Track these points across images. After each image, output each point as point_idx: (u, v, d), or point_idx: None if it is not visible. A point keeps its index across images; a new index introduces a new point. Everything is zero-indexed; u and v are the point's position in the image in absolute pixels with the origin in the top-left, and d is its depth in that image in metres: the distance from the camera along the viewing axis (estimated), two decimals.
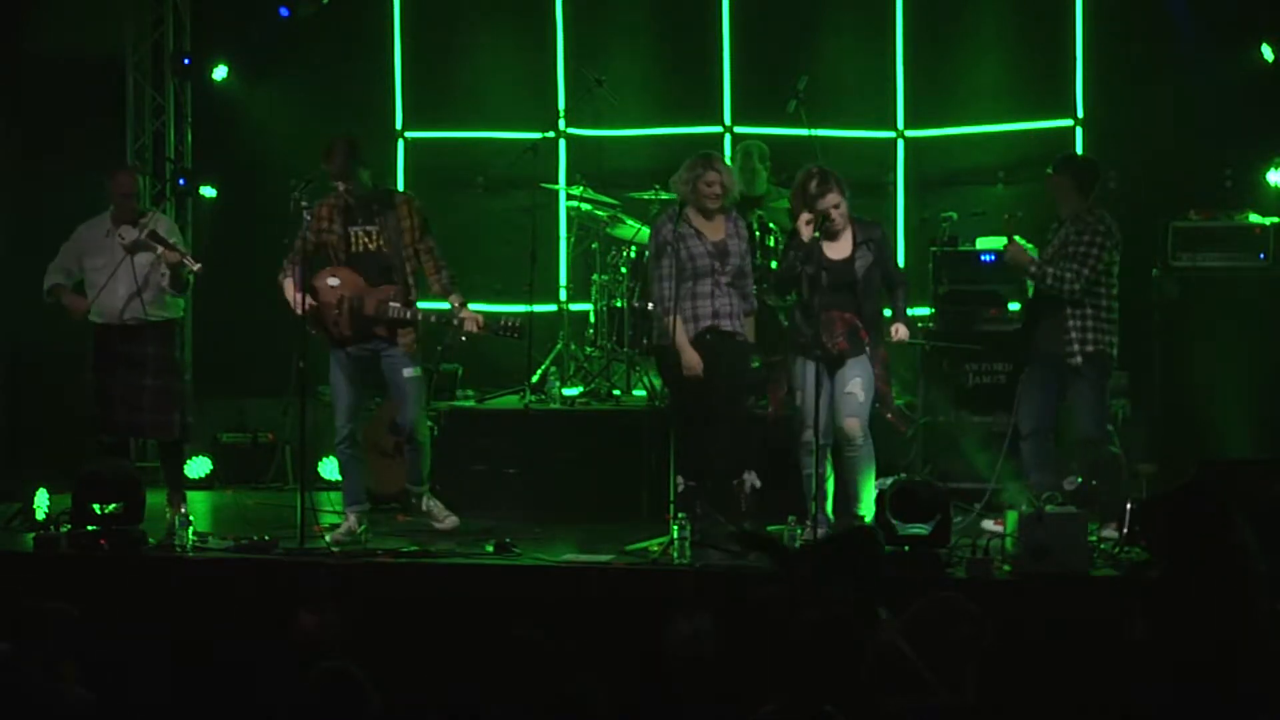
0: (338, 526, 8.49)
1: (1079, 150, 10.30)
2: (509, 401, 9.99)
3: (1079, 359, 8.15)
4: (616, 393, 9.93)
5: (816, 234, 7.97)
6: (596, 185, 10.41)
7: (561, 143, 10.94)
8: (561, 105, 10.83)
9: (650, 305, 8.64)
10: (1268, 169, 9.85)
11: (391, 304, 8.33)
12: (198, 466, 10.41)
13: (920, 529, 7.47)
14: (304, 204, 8.20)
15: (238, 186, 11.02)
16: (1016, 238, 8.49)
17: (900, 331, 8.14)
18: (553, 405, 9.82)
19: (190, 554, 8.05)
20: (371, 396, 9.05)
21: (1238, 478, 7.67)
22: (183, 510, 8.53)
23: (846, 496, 8.11)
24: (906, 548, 7.48)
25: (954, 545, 7.63)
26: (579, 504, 9.09)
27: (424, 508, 8.68)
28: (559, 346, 10.34)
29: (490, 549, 8.02)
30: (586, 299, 10.38)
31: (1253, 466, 8.15)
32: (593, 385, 10.04)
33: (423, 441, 8.60)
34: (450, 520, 8.60)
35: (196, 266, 8.59)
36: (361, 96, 11.09)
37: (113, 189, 8.80)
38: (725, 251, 8.14)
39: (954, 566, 7.50)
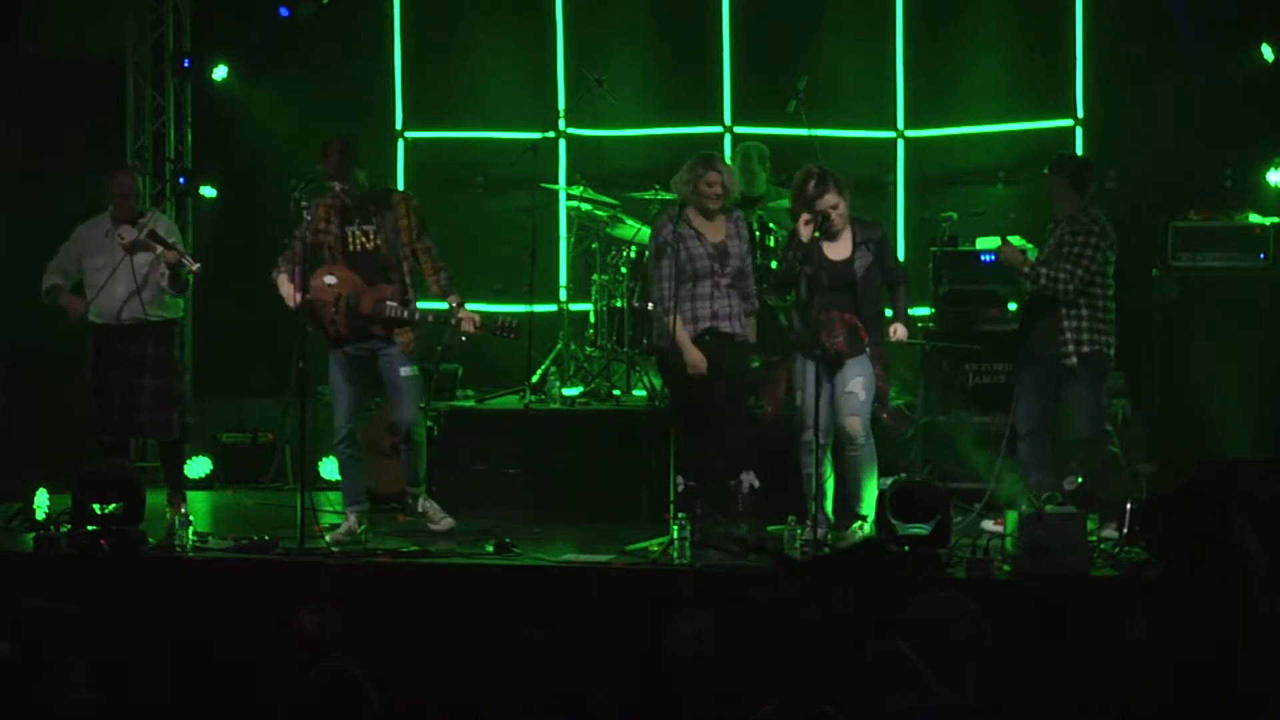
0: (338, 526, 8.49)
1: (1079, 150, 10.31)
2: (509, 401, 9.99)
3: (1074, 359, 8.15)
4: (616, 393, 9.93)
5: (816, 234, 7.97)
6: (596, 185, 10.41)
7: (561, 143, 10.94)
8: (561, 105, 10.84)
9: (650, 305, 8.64)
10: (1268, 169, 9.86)
11: (388, 303, 8.32)
12: (198, 466, 10.42)
13: (920, 529, 7.47)
14: (304, 204, 8.21)
15: (238, 186, 11.03)
16: (1010, 238, 8.50)
17: (898, 331, 8.14)
18: (553, 405, 9.82)
19: (190, 554, 8.05)
20: (371, 396, 9.05)
21: (1238, 478, 7.67)
22: (183, 510, 8.53)
23: (847, 496, 8.11)
24: (906, 548, 7.48)
25: (954, 545, 7.63)
26: (579, 504, 9.09)
27: (420, 509, 8.67)
28: (559, 346, 10.34)
29: (490, 549, 8.02)
30: (586, 299, 10.38)
31: (1253, 466, 8.15)
32: (593, 385, 10.04)
33: (419, 441, 8.58)
34: (446, 521, 8.59)
35: (196, 266, 8.59)
36: (361, 96, 11.10)
37: (112, 189, 8.80)
38: (725, 253, 8.14)
39: (954, 566, 7.50)
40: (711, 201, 8.13)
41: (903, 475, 8.06)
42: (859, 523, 8.00)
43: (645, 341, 9.55)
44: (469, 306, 8.48)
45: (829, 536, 7.96)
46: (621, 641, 6.62)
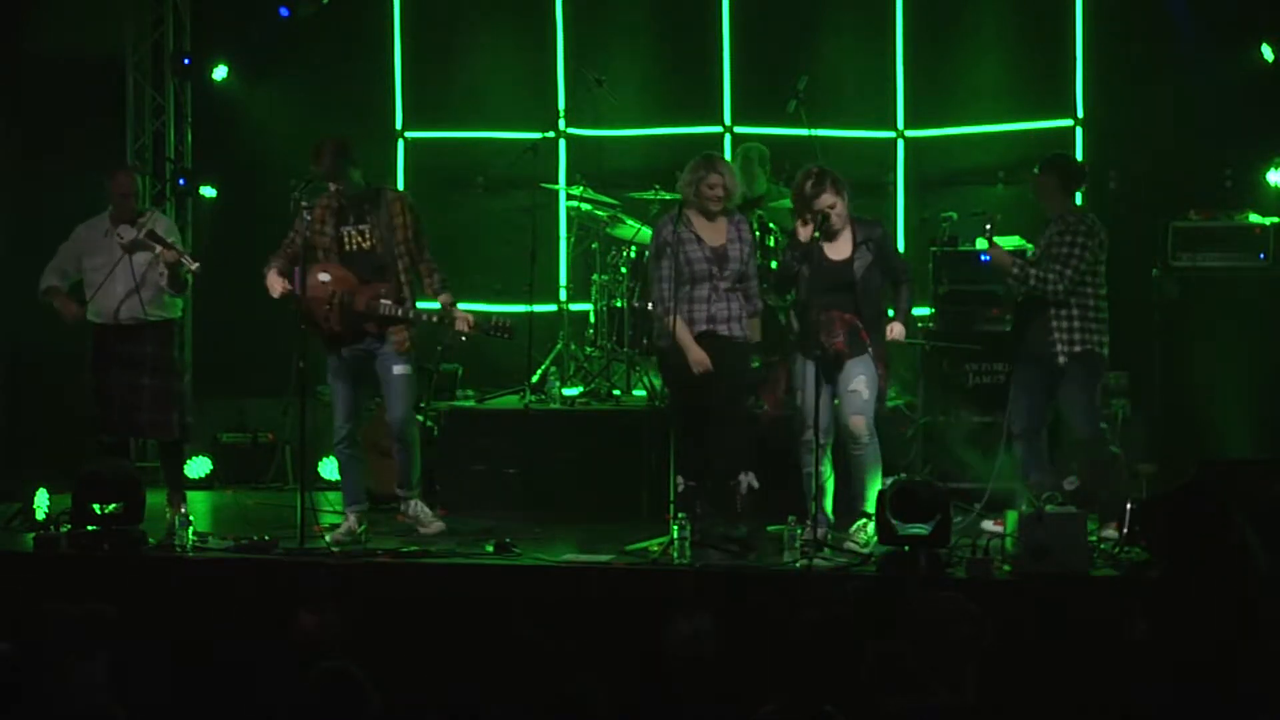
0: (338, 526, 8.48)
1: (1079, 150, 10.31)
2: (509, 401, 9.99)
3: (1064, 359, 8.14)
4: (616, 393, 9.92)
5: (816, 234, 7.97)
6: (596, 185, 10.40)
7: (561, 143, 10.94)
8: (561, 105, 10.83)
9: (650, 306, 8.64)
10: (1268, 169, 9.86)
11: (382, 301, 8.31)
12: (198, 466, 10.42)
13: (920, 529, 7.47)
14: (304, 204, 8.21)
15: (238, 186, 11.03)
16: (1010, 238, 8.49)
17: (895, 330, 8.12)
18: (553, 405, 9.81)
19: (190, 554, 8.04)
20: (371, 396, 9.04)
21: (1238, 478, 7.66)
22: (183, 510, 8.52)
23: (850, 495, 8.11)
24: (906, 548, 7.48)
25: (954, 545, 7.63)
26: (579, 504, 9.09)
27: (411, 512, 8.60)
28: (559, 346, 10.34)
29: (490, 549, 8.01)
30: (586, 299, 10.37)
31: (1253, 466, 8.15)
32: (593, 385, 10.04)
33: (411, 441, 8.53)
34: (435, 525, 8.53)
35: (195, 265, 8.59)
36: (361, 96, 11.10)
37: (111, 189, 8.80)
38: (724, 256, 8.13)
39: (954, 566, 7.49)
40: (713, 204, 8.12)
41: (903, 475, 8.05)
42: (863, 521, 7.99)
43: (645, 341, 9.55)
44: (470, 306, 8.48)
45: (829, 536, 7.96)
46: (621, 641, 6.62)
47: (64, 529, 8.19)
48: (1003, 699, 5.35)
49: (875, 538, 7.79)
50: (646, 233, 9.55)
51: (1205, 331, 9.32)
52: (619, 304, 9.89)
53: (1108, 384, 8.83)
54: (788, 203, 8.73)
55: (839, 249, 8.09)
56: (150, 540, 8.15)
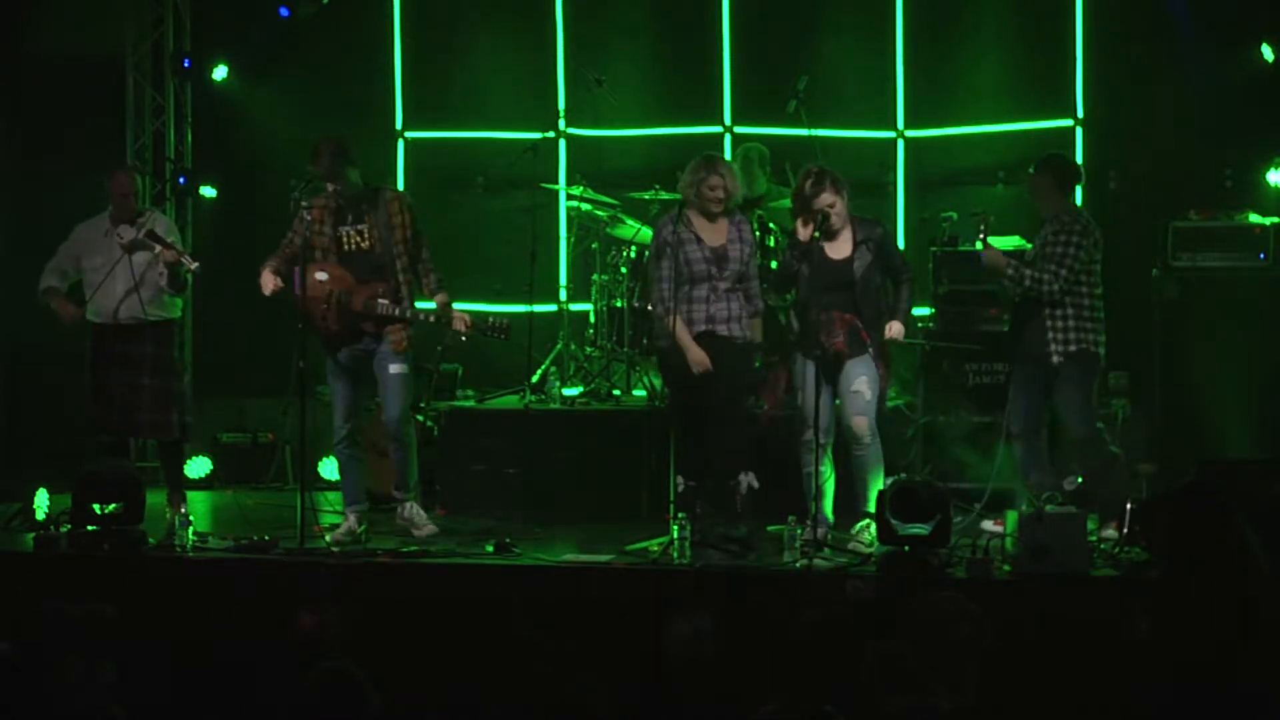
0: (338, 526, 8.48)
1: (1079, 150, 10.31)
2: (509, 401, 9.99)
3: (1059, 359, 8.14)
4: (616, 393, 9.92)
5: (816, 234, 7.97)
6: (596, 185, 10.40)
7: (561, 143, 10.94)
8: (561, 105, 10.83)
9: (650, 306, 8.64)
10: (1268, 169, 9.86)
11: (379, 300, 8.31)
12: (198, 466, 10.42)
13: (920, 529, 7.47)
14: (304, 204, 8.21)
15: (238, 186, 11.04)
16: (1010, 238, 8.48)
17: (894, 329, 8.11)
18: (553, 405, 9.81)
19: (190, 554, 8.05)
20: (370, 397, 9.03)
21: (1238, 478, 7.67)
22: (183, 510, 8.52)
23: (852, 495, 8.11)
24: (906, 548, 7.48)
25: (954, 545, 7.63)
26: (579, 504, 9.08)
27: (406, 514, 8.57)
28: (559, 346, 10.34)
29: (490, 549, 8.02)
30: (586, 299, 10.37)
31: (1253, 466, 8.16)
32: (593, 385, 10.04)
33: (407, 441, 8.51)
34: (428, 529, 8.52)
35: (194, 265, 8.59)
36: (361, 96, 11.10)
37: (111, 188, 8.81)
38: (724, 257, 8.13)
39: (954, 566, 7.49)
40: (713, 205, 8.12)
41: (903, 475, 8.05)
42: (866, 521, 7.99)
43: (645, 341, 9.55)
44: (470, 306, 8.48)
45: (829, 536, 7.96)
46: (621, 641, 6.61)
47: (64, 529, 8.20)
48: (1003, 699, 5.35)
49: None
50: (646, 233, 9.55)
51: (1205, 331, 9.33)
52: (619, 304, 9.89)
53: (1108, 384, 8.83)
54: (788, 203, 8.73)
55: (839, 248, 8.09)
56: (150, 540, 8.15)
